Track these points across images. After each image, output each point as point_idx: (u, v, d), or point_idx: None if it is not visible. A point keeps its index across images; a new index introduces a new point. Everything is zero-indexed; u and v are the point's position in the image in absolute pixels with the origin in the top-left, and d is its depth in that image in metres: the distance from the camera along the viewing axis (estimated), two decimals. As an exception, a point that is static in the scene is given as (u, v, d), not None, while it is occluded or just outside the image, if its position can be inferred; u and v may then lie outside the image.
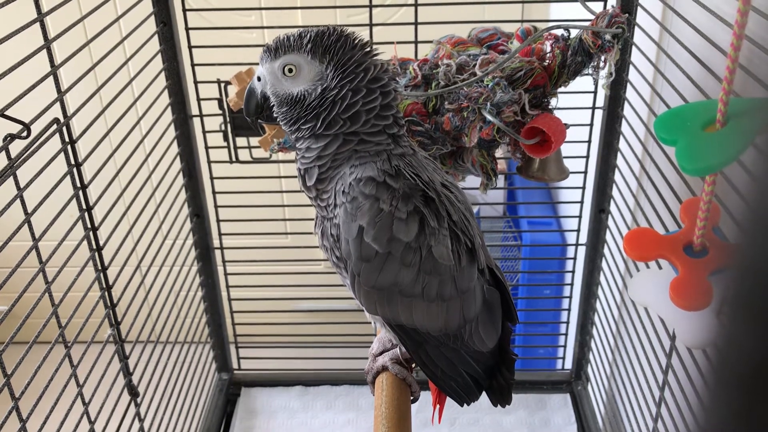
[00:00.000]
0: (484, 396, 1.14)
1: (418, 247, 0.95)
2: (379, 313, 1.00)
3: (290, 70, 0.95)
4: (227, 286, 1.95)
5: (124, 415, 1.44)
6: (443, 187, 1.01)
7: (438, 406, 1.19)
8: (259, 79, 1.00)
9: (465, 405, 1.12)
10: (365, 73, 0.95)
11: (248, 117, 1.04)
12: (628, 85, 1.51)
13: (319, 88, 0.95)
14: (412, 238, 0.94)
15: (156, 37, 1.57)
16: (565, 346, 2.01)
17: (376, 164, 0.95)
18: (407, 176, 0.96)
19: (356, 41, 0.96)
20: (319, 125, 0.96)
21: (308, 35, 0.94)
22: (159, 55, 1.59)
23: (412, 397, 1.13)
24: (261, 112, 1.02)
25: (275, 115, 1.01)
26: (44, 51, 1.09)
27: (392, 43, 1.45)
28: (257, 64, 1.01)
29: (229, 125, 1.62)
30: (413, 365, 1.16)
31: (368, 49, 0.97)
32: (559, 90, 1.33)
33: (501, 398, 1.14)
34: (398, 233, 0.94)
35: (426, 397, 1.21)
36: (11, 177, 1.01)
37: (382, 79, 0.97)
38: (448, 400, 1.16)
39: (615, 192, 1.66)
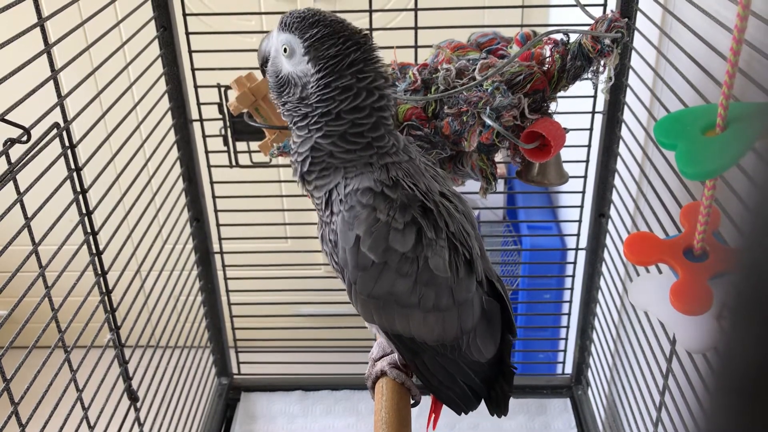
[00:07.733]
0: (482, 402, 1.15)
1: (415, 258, 0.94)
2: (375, 321, 1.00)
3: (285, 50, 0.95)
4: (227, 291, 1.95)
5: (124, 419, 1.44)
6: (442, 196, 1.00)
7: (434, 415, 1.18)
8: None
9: (463, 414, 1.12)
10: (351, 100, 0.93)
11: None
12: (628, 89, 1.51)
13: (298, 92, 0.95)
14: (409, 249, 0.94)
15: (156, 41, 1.57)
16: (565, 351, 2.01)
17: (372, 174, 0.95)
18: (405, 186, 0.95)
19: (360, 57, 0.93)
20: (306, 123, 0.97)
21: (317, 31, 0.92)
22: (159, 60, 1.59)
23: (412, 401, 1.12)
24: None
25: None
26: (44, 55, 1.09)
27: (392, 47, 1.45)
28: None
29: (229, 129, 1.62)
30: (412, 369, 1.16)
31: (369, 65, 0.94)
32: (559, 94, 1.33)
33: (498, 409, 1.14)
34: (394, 243, 0.93)
35: (427, 402, 1.20)
36: (11, 181, 1.01)
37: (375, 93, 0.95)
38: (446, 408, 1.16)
39: (615, 196, 1.66)
